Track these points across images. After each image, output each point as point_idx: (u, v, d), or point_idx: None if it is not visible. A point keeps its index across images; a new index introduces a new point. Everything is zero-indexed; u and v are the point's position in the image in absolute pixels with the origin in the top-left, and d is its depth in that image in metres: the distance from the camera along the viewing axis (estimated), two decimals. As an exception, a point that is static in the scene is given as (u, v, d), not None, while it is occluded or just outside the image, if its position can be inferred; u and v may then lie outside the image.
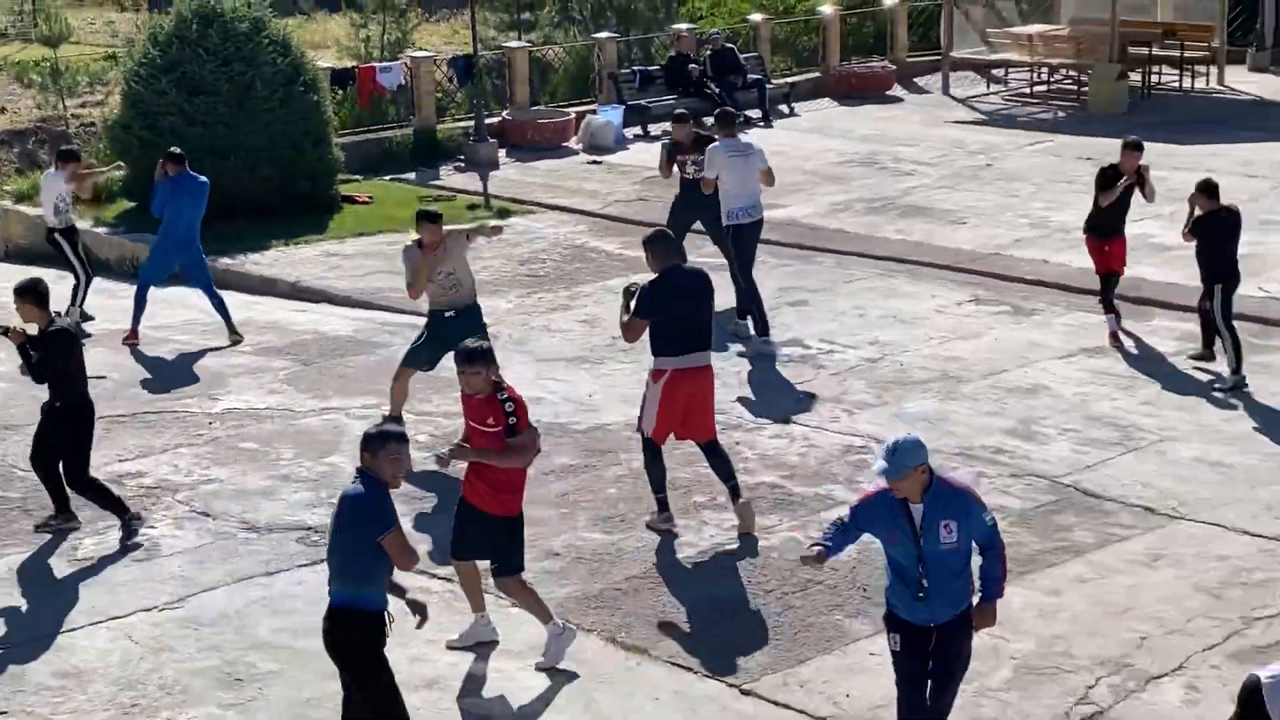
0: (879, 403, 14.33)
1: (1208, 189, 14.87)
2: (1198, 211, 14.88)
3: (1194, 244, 14.99)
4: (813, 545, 7.90)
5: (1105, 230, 15.77)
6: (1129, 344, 15.79)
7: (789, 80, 29.95)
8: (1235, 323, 14.75)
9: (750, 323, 15.99)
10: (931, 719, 8.07)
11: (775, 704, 9.38)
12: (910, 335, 16.18)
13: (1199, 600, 10.52)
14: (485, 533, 9.57)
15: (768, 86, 28.23)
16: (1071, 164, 22.79)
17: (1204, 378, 14.72)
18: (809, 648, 10.03)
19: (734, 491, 11.67)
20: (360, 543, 7.64)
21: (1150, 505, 12.01)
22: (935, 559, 7.65)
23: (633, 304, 11.38)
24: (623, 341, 12.35)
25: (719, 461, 11.70)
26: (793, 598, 10.69)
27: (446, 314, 13.25)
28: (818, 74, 30.62)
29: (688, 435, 11.78)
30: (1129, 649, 9.91)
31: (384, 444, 7.74)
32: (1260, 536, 11.46)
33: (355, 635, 7.79)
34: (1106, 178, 15.65)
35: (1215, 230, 14.78)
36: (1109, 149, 18.25)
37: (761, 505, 12.10)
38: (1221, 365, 14.68)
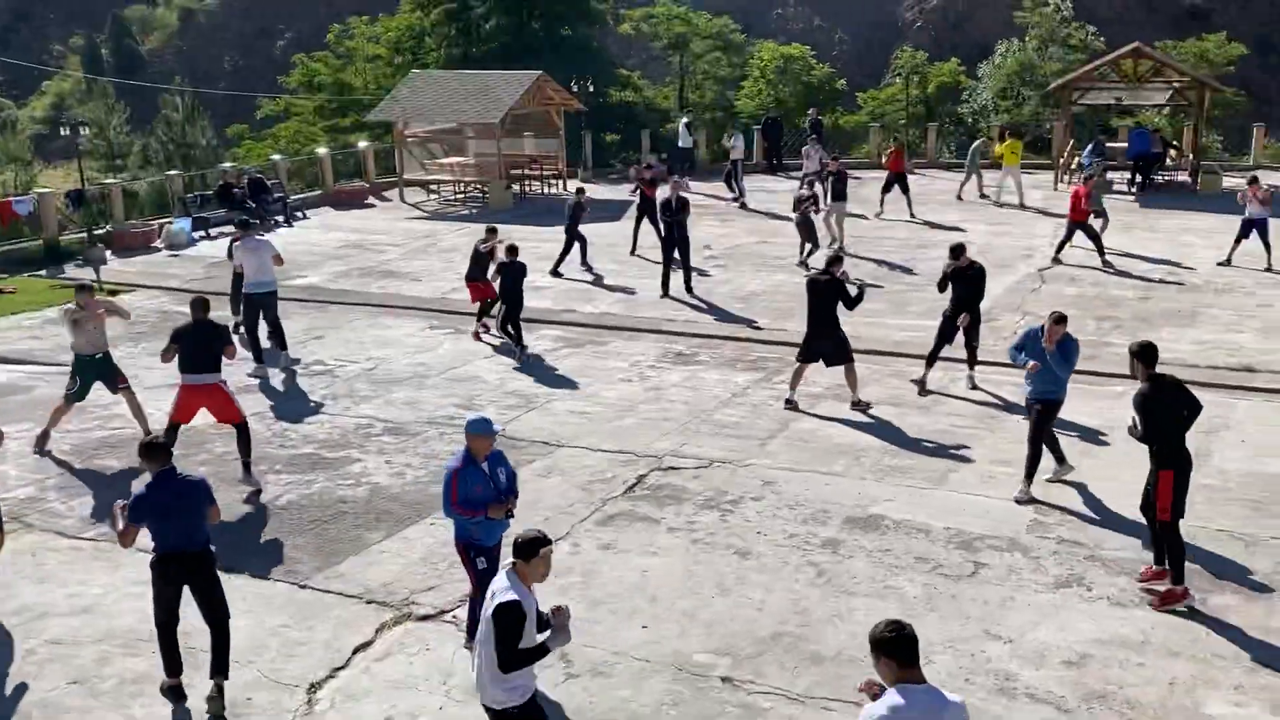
0: (376, 395, 14.17)
1: (511, 249, 15.62)
2: (504, 259, 15.61)
3: (499, 283, 15.68)
4: (500, 507, 7.66)
5: (477, 277, 16.38)
6: (489, 339, 16.27)
7: (302, 196, 29.04)
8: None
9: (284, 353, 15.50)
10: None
11: (325, 591, 9.22)
12: (393, 351, 16.05)
13: (576, 494, 10.98)
14: None
15: (288, 201, 27.27)
16: (475, 237, 23.12)
17: (550, 360, 15.30)
18: (342, 553, 9.88)
19: (245, 467, 11.19)
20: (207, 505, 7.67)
21: (545, 440, 12.40)
22: (502, 495, 7.70)
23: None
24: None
25: (242, 440, 11.25)
26: (327, 524, 10.47)
27: (96, 356, 12.41)
28: (320, 191, 29.80)
29: (224, 421, 11.41)
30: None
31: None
32: (608, 452, 12.04)
33: (213, 560, 7.75)
34: (480, 250, 16.29)
35: (510, 273, 15.48)
36: (504, 231, 18.66)
37: (305, 464, 11.77)
38: (565, 360, 15.29)
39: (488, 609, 5.89)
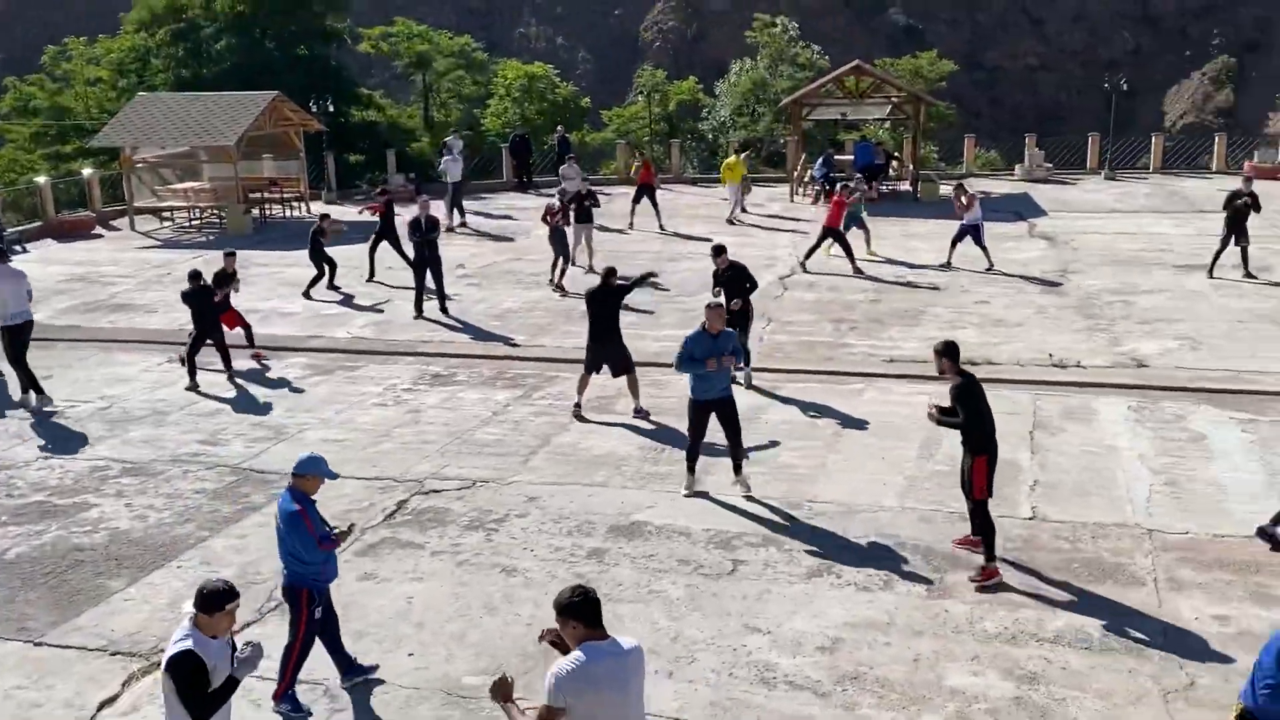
0: (112, 435, 13.34)
1: (193, 275, 15.24)
2: (186, 287, 15.23)
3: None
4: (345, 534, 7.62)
5: (225, 306, 15.80)
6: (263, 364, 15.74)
7: (20, 229, 27.02)
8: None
9: (32, 394, 14.46)
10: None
11: (63, 647, 8.61)
12: (129, 388, 15.17)
13: (340, 520, 10.62)
14: None
15: (4, 233, 25.17)
16: (215, 266, 22.20)
17: (299, 387, 14.86)
18: (82, 605, 9.25)
19: None
20: None
21: (297, 471, 12.00)
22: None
23: None
24: None
25: None
26: (66, 574, 9.78)
27: None
28: (41, 223, 27.84)
29: None
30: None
31: None
32: (365, 479, 11.77)
33: None
34: (219, 278, 15.73)
35: (194, 300, 15.03)
36: (243, 257, 17.97)
37: (34, 513, 10.97)
38: (316, 388, 14.88)
39: (164, 662, 5.46)
